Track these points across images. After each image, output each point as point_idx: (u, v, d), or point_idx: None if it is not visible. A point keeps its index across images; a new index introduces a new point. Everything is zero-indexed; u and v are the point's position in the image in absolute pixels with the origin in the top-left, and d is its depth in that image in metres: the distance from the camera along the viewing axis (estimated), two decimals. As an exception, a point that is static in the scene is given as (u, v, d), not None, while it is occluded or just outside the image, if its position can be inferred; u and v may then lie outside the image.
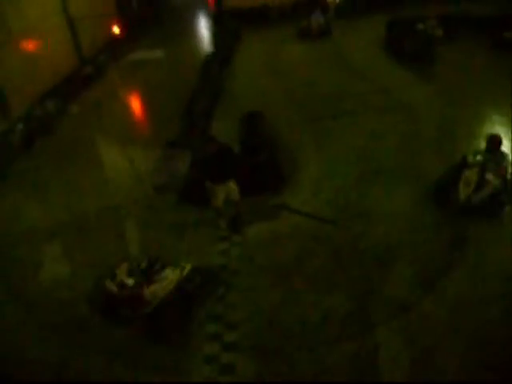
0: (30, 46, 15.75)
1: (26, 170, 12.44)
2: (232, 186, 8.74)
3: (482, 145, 9.37)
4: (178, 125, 12.74)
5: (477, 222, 8.41)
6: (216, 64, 17.37)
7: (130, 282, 7.35)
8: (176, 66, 19.68)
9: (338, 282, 7.61)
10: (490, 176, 8.54)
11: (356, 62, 17.35)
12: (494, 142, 8.79)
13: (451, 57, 16.55)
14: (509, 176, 8.73)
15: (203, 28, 28.17)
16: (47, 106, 15.52)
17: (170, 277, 7.49)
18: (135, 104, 17.46)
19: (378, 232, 8.54)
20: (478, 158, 8.95)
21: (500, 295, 7.03)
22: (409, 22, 19.03)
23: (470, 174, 8.68)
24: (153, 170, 11.10)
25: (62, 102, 16.22)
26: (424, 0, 24.04)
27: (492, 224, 8.40)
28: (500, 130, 11.04)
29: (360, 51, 18.55)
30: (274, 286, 7.68)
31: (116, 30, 23.73)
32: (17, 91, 14.69)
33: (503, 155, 8.81)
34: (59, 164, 12.43)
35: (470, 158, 9.02)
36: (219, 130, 12.82)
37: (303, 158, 11.09)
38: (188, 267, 7.71)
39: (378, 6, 24.02)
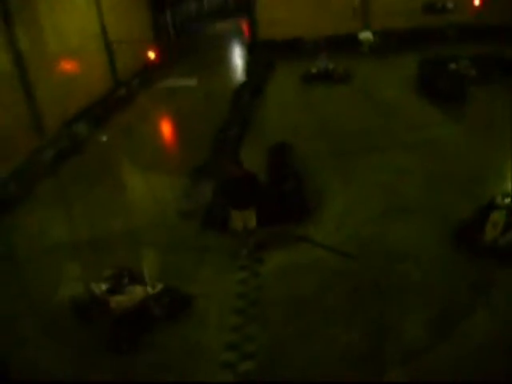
0: (67, 67, 16.20)
1: (54, 188, 12.67)
2: (250, 214, 8.75)
3: (510, 187, 9.22)
4: (207, 152, 12.85)
5: (503, 266, 8.20)
6: (247, 93, 17.59)
7: (102, 288, 8.00)
8: (208, 94, 19.96)
9: (355, 319, 7.49)
10: (518, 219, 8.42)
11: (387, 100, 17.34)
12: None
13: (483, 97, 16.45)
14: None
15: (237, 57, 28.64)
16: (79, 127, 15.86)
17: (138, 291, 7.94)
18: (165, 129, 17.74)
19: (399, 271, 8.39)
20: (507, 200, 8.84)
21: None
22: (442, 62, 19.09)
23: (498, 216, 8.56)
24: (179, 196, 11.17)
25: (95, 123, 16.57)
26: (457, 40, 24.20)
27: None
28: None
29: (391, 89, 18.56)
30: (292, 318, 7.60)
31: (151, 55, 24.33)
32: (51, 111, 15.07)
33: (532, 199, 8.69)
34: (87, 184, 12.67)
35: (499, 200, 8.92)
36: (247, 158, 12.91)
37: (329, 191, 11.07)
38: (159, 286, 8.05)
39: (410, 45, 24.17)
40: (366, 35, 25.33)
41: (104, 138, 16.27)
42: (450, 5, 26.48)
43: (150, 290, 8.00)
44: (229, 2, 50.47)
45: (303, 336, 7.25)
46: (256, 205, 8.86)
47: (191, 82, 22.29)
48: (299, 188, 10.36)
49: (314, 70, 20.60)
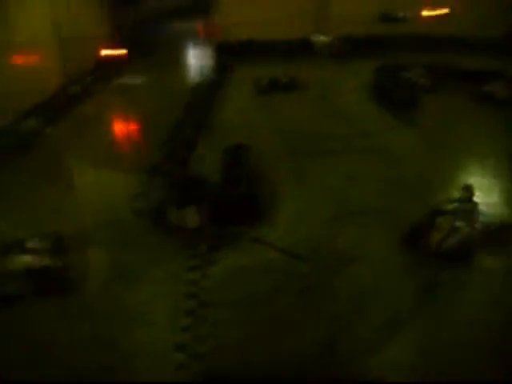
0: (18, 63, 15.80)
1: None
2: (191, 213, 8.84)
3: (457, 193, 9.54)
4: (161, 151, 12.77)
5: (447, 268, 8.51)
6: (204, 94, 17.56)
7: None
8: (165, 93, 19.84)
9: (306, 320, 7.60)
10: (461, 224, 8.73)
11: (342, 105, 17.63)
12: (468, 191, 9.04)
13: (435, 105, 16.95)
14: (478, 225, 8.91)
15: (195, 58, 28.52)
16: (29, 124, 15.43)
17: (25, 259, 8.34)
18: (120, 127, 17.49)
19: (350, 273, 8.56)
20: (452, 205, 9.17)
21: (466, 339, 7.10)
22: (396, 69, 19.54)
23: (443, 221, 8.86)
24: (132, 194, 11.06)
25: (46, 120, 16.14)
26: (412, 48, 24.84)
27: (461, 270, 8.50)
28: (475, 180, 11.26)
29: (347, 95, 18.90)
30: (242, 319, 7.64)
31: (108, 52, 24.03)
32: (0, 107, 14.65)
33: (475, 204, 9.04)
34: (34, 182, 12.26)
35: (444, 206, 9.23)
36: (203, 158, 12.94)
37: (282, 193, 11.17)
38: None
39: (366, 52, 24.65)
40: (321, 39, 25.65)
41: (49, 132, 15.91)
42: (404, 14, 27.18)
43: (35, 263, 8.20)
44: (188, 2, 50.25)
45: (253, 337, 7.31)
46: (199, 204, 8.89)
47: (143, 80, 22.20)
48: (253, 190, 10.41)
49: (265, 80, 20.34)
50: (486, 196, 10.56)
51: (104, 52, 23.92)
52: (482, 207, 9.17)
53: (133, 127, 16.94)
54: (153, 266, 8.92)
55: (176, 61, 26.99)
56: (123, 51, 24.87)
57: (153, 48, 28.81)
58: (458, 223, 8.75)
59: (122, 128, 17.49)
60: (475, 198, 9.18)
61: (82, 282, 8.51)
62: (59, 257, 8.64)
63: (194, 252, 9.14)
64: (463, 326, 7.35)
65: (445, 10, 26.17)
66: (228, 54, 24.50)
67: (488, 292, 8.04)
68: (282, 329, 7.44)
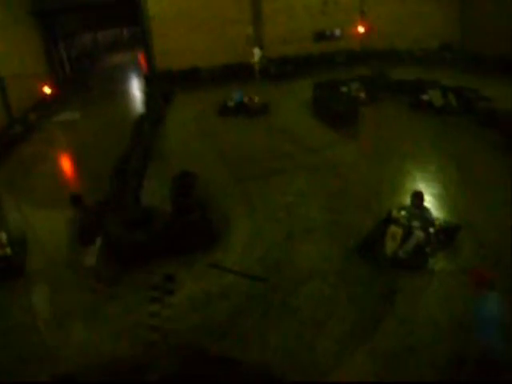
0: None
1: None
2: (89, 253, 9.00)
3: (406, 200, 9.75)
4: (109, 184, 12.51)
5: (404, 275, 8.65)
6: (147, 125, 17.43)
7: None
8: (108, 126, 19.62)
9: (270, 340, 7.54)
10: (414, 230, 8.90)
11: (284, 124, 17.82)
12: (417, 197, 9.22)
13: (373, 117, 17.44)
14: (431, 229, 9.11)
15: (135, 89, 28.40)
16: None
17: None
18: (64, 164, 17.11)
19: (308, 289, 8.58)
20: (403, 213, 9.34)
21: (428, 343, 7.21)
22: (334, 85, 20.03)
23: (396, 229, 9.01)
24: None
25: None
26: (345, 64, 25.63)
27: (418, 275, 8.65)
28: (421, 185, 11.60)
29: (288, 113, 19.19)
30: (208, 346, 7.48)
31: (47, 89, 23.64)
32: None
33: (426, 210, 9.23)
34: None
35: (395, 213, 9.40)
36: (151, 189, 12.78)
37: (234, 217, 11.13)
38: None
39: (303, 71, 25.19)
40: (257, 52, 25.94)
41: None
42: (337, 33, 28.00)
43: None
44: (124, 33, 50.22)
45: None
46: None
47: (78, 115, 21.93)
48: (205, 216, 10.34)
49: (230, 103, 20.32)
50: (434, 200, 10.89)
51: (45, 89, 23.55)
52: (431, 211, 9.38)
53: (79, 163, 16.56)
54: (111, 301, 8.69)
55: (116, 93, 26.78)
56: (56, 88, 24.65)
57: (92, 81, 28.55)
58: (411, 229, 8.92)
59: (68, 164, 17.09)
60: (425, 204, 9.39)
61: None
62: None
63: (151, 284, 8.96)
64: (423, 330, 7.47)
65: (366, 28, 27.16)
66: (167, 83, 24.50)
67: (444, 293, 8.21)
68: (247, 351, 7.36)
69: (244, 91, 20.66)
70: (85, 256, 9.06)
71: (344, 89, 19.89)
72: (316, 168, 13.39)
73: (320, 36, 27.87)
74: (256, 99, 19.98)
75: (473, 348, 6.23)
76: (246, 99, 20.09)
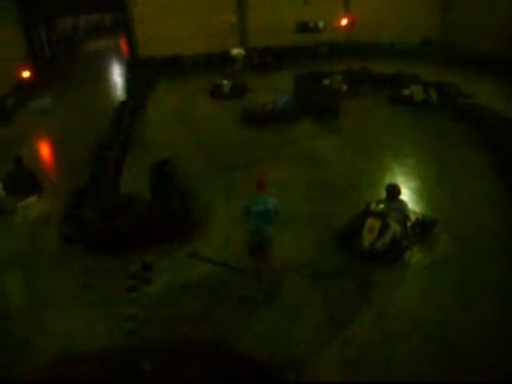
0: None
1: None
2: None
3: (384, 193, 9.85)
4: (87, 171, 12.41)
5: (380, 267, 8.75)
6: (128, 112, 17.30)
7: None
8: (88, 113, 19.39)
9: (248, 330, 7.58)
10: (391, 222, 9.00)
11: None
12: (394, 191, 9.34)
13: (355, 110, 17.51)
14: (408, 222, 9.24)
15: (116, 75, 28.09)
16: None
17: None
18: (43, 150, 16.89)
19: (286, 280, 8.62)
20: (381, 205, 9.44)
21: (404, 334, 7.32)
22: (316, 77, 20.05)
23: (373, 222, 9.10)
24: (60, 219, 10.69)
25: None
26: (328, 57, 25.66)
27: (394, 268, 8.77)
28: (400, 178, 11.73)
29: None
30: (186, 335, 7.52)
31: (25, 74, 23.27)
32: None
33: (402, 203, 9.35)
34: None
35: (373, 206, 9.49)
36: (130, 177, 12.70)
37: (214, 206, 11.14)
38: None
39: (286, 62, 25.20)
40: (238, 51, 25.93)
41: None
42: (321, 24, 28.01)
43: None
44: (106, 18, 49.56)
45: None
46: None
47: (54, 101, 21.63)
48: (184, 205, 10.32)
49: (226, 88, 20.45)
50: (411, 194, 11.03)
51: (23, 74, 23.18)
52: (408, 205, 9.50)
53: (58, 149, 16.36)
54: (89, 290, 8.62)
55: (97, 79, 26.46)
56: (36, 72, 24.26)
57: (72, 66, 28.16)
58: (388, 222, 9.02)
59: (47, 151, 16.87)
60: (401, 197, 9.50)
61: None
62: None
63: (129, 272, 8.91)
64: (398, 322, 7.58)
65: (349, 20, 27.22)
66: (149, 70, 24.32)
67: (419, 286, 8.36)
68: (224, 339, 7.38)
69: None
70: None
71: (326, 81, 19.94)
72: (296, 159, 13.44)
73: (303, 27, 27.87)
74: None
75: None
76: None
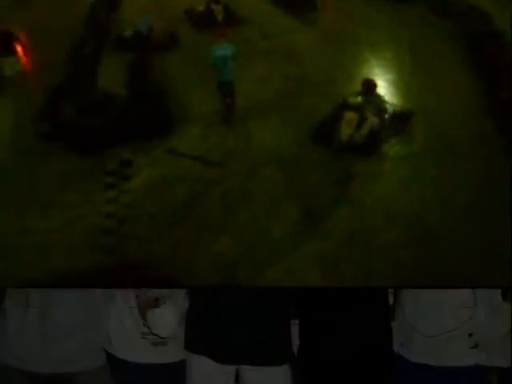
0: None
1: None
2: None
3: (360, 87, 9.75)
4: (63, 68, 11.87)
5: (358, 160, 8.85)
6: (103, 8, 16.33)
7: None
8: (63, 9, 18.20)
9: (227, 225, 7.71)
10: (369, 115, 9.01)
11: (241, 8, 16.72)
12: (369, 85, 9.29)
13: (334, 5, 16.83)
14: (386, 114, 9.25)
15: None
16: None
17: None
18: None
19: (265, 173, 8.69)
20: (359, 99, 9.40)
21: (383, 226, 7.54)
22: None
23: (351, 115, 9.09)
24: (37, 114, 10.27)
25: None
26: None
27: (372, 160, 8.89)
28: (378, 72, 11.57)
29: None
30: (164, 233, 7.63)
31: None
32: None
33: (379, 97, 9.35)
34: None
35: (351, 100, 9.45)
36: (107, 74, 12.23)
37: (190, 101, 10.88)
38: None
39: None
40: None
41: None
42: None
43: None
44: None
45: (177, 247, 7.36)
46: None
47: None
48: (161, 101, 10.10)
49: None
50: (388, 86, 10.95)
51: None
52: (385, 98, 9.46)
53: (33, 46, 15.49)
54: (67, 190, 8.50)
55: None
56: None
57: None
58: (366, 115, 9.01)
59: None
60: (378, 90, 9.44)
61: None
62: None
63: (107, 170, 8.84)
64: (376, 215, 7.78)
65: None
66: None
67: (398, 179, 8.51)
68: (204, 235, 7.53)
69: None
70: None
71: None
72: (273, 53, 13.01)
73: None
74: None
75: None
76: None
